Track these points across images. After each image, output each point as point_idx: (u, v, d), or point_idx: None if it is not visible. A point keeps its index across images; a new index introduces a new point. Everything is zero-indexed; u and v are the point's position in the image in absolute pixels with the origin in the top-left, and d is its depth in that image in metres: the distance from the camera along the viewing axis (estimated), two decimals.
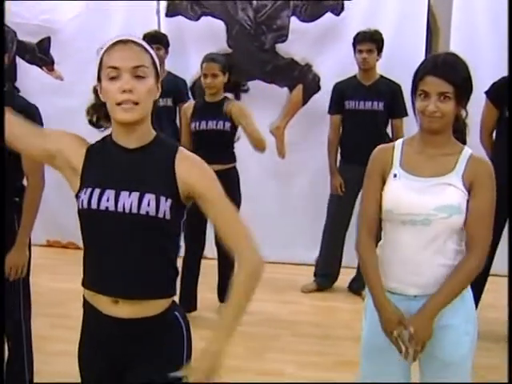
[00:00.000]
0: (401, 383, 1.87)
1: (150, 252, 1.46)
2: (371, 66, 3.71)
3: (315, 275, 4.05)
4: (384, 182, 1.81)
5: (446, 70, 1.70)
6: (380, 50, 3.70)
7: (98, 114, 1.53)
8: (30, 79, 4.37)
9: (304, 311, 3.72)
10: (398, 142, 1.85)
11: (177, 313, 1.56)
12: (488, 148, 3.32)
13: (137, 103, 1.41)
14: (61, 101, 4.37)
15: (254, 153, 4.43)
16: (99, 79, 1.47)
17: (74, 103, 4.29)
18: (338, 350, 3.11)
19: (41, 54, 4.37)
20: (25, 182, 2.33)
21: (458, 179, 1.74)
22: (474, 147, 1.88)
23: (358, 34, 3.73)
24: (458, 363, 1.80)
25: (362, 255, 1.85)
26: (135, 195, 1.42)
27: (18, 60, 4.31)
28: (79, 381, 1.62)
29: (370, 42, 3.66)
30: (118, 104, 1.42)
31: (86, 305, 1.56)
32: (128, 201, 1.42)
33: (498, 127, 3.26)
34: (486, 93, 3.21)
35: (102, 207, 1.42)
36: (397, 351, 1.79)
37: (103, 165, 1.48)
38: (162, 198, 1.43)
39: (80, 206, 1.46)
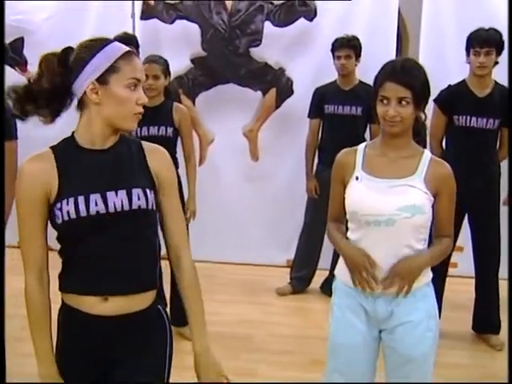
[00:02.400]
0: (366, 383, 1.93)
1: (140, 245, 1.49)
2: (350, 71, 3.75)
3: (291, 278, 4.08)
4: (346, 185, 1.87)
5: (404, 75, 1.76)
6: (358, 55, 3.75)
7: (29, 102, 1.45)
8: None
9: (277, 312, 3.76)
10: (361, 146, 1.91)
11: (160, 307, 1.60)
12: (438, 155, 3.35)
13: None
14: None
15: (228, 155, 4.50)
16: (101, 81, 1.43)
17: None
18: (309, 349, 3.16)
19: (14, 55, 4.33)
20: None
21: (420, 181, 1.81)
22: None
23: (335, 41, 3.76)
24: (420, 360, 1.85)
25: (330, 235, 1.98)
26: (122, 193, 1.44)
27: None
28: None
29: (347, 48, 3.70)
30: (134, 114, 1.46)
31: (67, 310, 1.54)
32: (117, 200, 1.43)
33: (448, 134, 3.31)
34: (435, 100, 3.25)
35: (93, 212, 1.41)
36: (363, 348, 1.86)
37: (79, 172, 1.47)
38: (147, 191, 1.47)
39: (65, 217, 1.42)
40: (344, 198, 1.88)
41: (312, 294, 4.03)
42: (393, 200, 1.79)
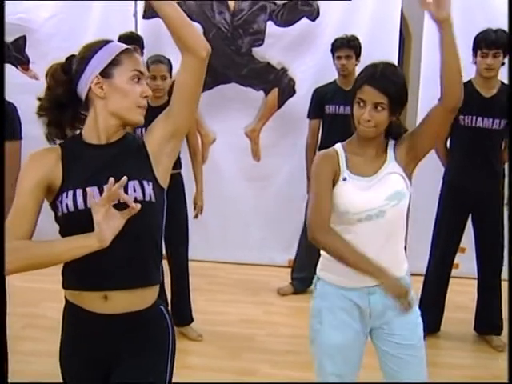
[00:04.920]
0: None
1: (139, 238, 1.48)
2: (350, 71, 3.74)
3: (292, 279, 4.08)
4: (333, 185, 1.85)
5: (382, 81, 1.78)
6: (358, 55, 3.75)
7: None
8: (4, 78, 4.32)
9: (278, 312, 3.76)
10: (339, 148, 1.91)
11: (162, 307, 1.59)
12: (442, 155, 3.37)
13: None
14: (36, 100, 4.34)
15: (230, 155, 4.50)
16: (105, 75, 1.47)
17: None
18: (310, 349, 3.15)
19: (16, 53, 4.33)
20: None
21: (394, 164, 1.86)
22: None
23: (335, 41, 3.76)
24: (418, 344, 1.91)
25: (332, 244, 1.81)
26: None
27: None
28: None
29: (347, 47, 3.70)
30: (138, 107, 1.48)
31: (69, 307, 1.55)
32: None
33: (453, 135, 3.28)
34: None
35: (90, 205, 1.39)
36: (358, 345, 1.91)
37: (80, 167, 1.48)
38: (145, 182, 1.47)
39: (65, 210, 1.44)
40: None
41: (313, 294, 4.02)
42: (380, 192, 1.83)
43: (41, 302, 3.62)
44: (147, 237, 1.51)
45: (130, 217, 1.37)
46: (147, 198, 1.46)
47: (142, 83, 1.50)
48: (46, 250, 1.40)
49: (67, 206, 1.44)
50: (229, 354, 3.16)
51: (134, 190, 1.45)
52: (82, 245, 1.36)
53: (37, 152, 1.51)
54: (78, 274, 1.49)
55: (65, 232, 1.47)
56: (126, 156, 1.50)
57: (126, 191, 1.42)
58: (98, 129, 1.50)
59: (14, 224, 1.45)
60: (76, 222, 1.42)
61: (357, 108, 1.83)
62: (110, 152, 1.50)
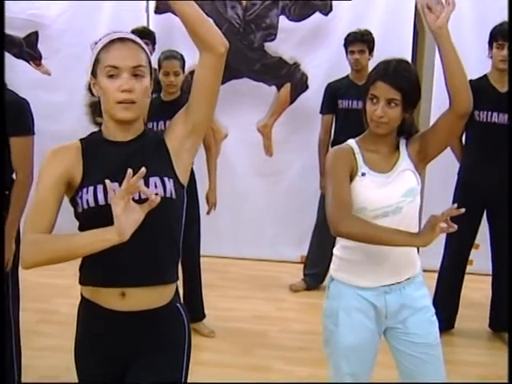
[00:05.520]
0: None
1: (159, 235, 1.47)
2: (363, 66, 3.72)
3: (304, 275, 4.07)
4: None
5: (395, 76, 1.77)
6: (371, 49, 3.73)
7: (96, 110, 1.54)
8: (16, 73, 4.34)
9: (290, 308, 3.75)
10: (353, 144, 1.89)
11: (178, 304, 1.58)
12: (458, 151, 3.34)
13: (134, 102, 1.44)
14: (48, 95, 4.34)
15: (242, 150, 4.48)
16: (94, 74, 1.48)
17: (61, 98, 4.29)
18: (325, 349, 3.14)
19: (28, 49, 4.34)
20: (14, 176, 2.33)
21: (407, 161, 1.85)
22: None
23: (348, 35, 3.74)
24: (434, 342, 1.89)
25: (360, 229, 1.72)
26: (140, 182, 1.40)
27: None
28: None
29: (361, 42, 3.68)
30: (118, 103, 1.44)
31: (86, 304, 1.54)
32: None
33: (468, 130, 3.24)
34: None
35: (111, 201, 1.36)
36: (373, 345, 1.89)
37: (100, 163, 1.48)
38: (166, 178, 1.46)
39: (85, 206, 1.43)
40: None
41: (325, 290, 4.00)
42: (396, 188, 1.82)
43: (52, 298, 3.63)
44: (166, 234, 1.50)
45: (150, 213, 1.34)
46: (168, 195, 1.45)
47: (120, 77, 1.43)
48: (64, 243, 1.37)
49: (88, 201, 1.43)
50: (241, 350, 3.16)
51: (155, 187, 1.43)
52: (101, 238, 1.33)
53: (57, 147, 1.50)
54: (95, 270, 1.48)
55: (85, 228, 1.45)
56: (147, 152, 1.49)
57: (147, 187, 1.40)
58: (108, 126, 1.51)
59: (34, 220, 1.43)
60: (97, 218, 1.40)
61: (370, 104, 1.82)
62: (130, 148, 1.49)
